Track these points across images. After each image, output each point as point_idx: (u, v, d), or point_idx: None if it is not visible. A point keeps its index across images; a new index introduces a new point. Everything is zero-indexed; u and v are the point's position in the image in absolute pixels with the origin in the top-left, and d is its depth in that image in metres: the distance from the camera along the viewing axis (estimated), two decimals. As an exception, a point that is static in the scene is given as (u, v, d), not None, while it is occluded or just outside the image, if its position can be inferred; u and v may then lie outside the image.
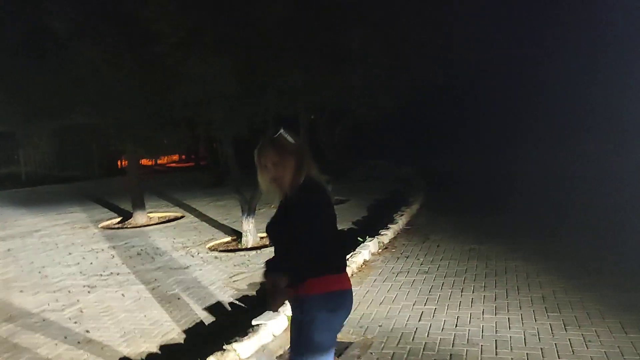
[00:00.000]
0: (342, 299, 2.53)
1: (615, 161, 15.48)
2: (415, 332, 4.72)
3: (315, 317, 2.44)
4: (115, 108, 8.49)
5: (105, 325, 5.46)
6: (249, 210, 8.41)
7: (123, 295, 6.43)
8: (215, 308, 5.79)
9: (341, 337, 4.70)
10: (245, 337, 4.53)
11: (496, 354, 4.18)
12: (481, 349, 4.29)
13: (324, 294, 2.45)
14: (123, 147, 11.52)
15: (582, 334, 4.41)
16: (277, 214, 2.64)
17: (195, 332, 5.19)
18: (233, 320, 5.40)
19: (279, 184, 2.54)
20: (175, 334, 5.13)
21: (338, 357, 4.33)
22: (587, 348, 4.16)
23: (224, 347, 4.39)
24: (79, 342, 5.06)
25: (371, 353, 4.35)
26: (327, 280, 2.47)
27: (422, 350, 4.34)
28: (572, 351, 4.13)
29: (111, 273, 7.44)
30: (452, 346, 4.38)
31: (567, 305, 5.07)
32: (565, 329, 4.56)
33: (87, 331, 5.34)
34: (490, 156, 18.12)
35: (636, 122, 15.60)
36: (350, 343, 4.60)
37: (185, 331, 5.20)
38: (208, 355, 4.24)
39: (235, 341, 4.50)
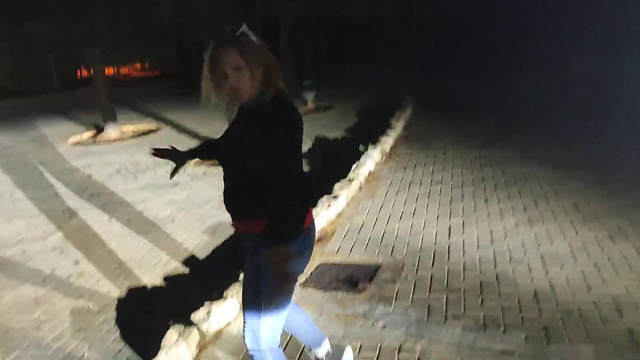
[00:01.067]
0: (312, 237, 2.25)
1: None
2: (448, 250, 4.28)
3: (289, 253, 2.06)
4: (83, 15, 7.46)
5: (96, 255, 4.87)
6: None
7: (109, 219, 5.80)
8: (217, 229, 5.23)
9: (367, 259, 4.26)
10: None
11: (547, 273, 3.78)
12: (529, 267, 3.88)
13: (297, 230, 2.10)
14: (88, 56, 10.41)
15: (633, 246, 4.03)
16: (230, 132, 2.24)
17: (200, 259, 4.65)
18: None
19: (237, 95, 2.09)
20: (177, 262, 4.59)
21: (370, 282, 3.88)
22: (644, 262, 3.79)
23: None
24: (69, 276, 4.48)
25: (406, 277, 3.91)
26: (298, 215, 2.10)
27: (462, 271, 3.91)
28: (629, 266, 3.75)
29: (92, 194, 6.76)
30: (495, 266, 3.96)
31: (605, 214, 4.68)
32: (612, 239, 4.17)
33: (77, 262, 4.75)
34: (487, 73, 16.15)
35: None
36: (379, 266, 4.14)
37: (188, 259, 4.66)
38: (228, 287, 3.72)
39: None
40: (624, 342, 2.94)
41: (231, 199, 2.23)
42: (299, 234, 2.12)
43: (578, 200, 5.09)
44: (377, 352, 3.08)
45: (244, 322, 2.27)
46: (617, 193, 5.16)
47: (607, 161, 6.24)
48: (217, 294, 3.65)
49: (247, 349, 2.28)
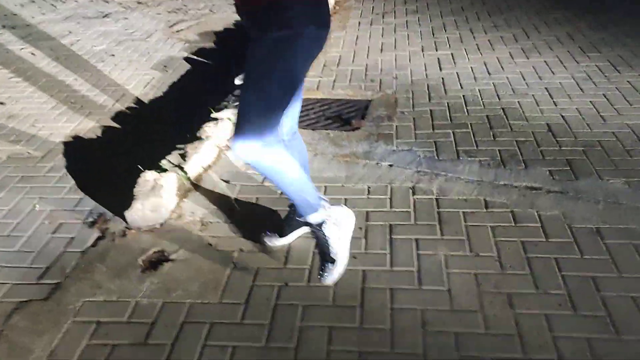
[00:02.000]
0: (329, 14, 1.84)
1: None
2: (443, 83, 3.83)
3: (301, 34, 1.72)
4: None
5: (24, 95, 4.05)
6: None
7: (33, 54, 4.85)
8: (170, 64, 4.48)
9: (354, 94, 3.75)
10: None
11: (556, 105, 3.44)
12: (535, 100, 3.52)
13: (313, 1, 1.74)
14: None
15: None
16: None
17: (156, 97, 3.96)
18: (210, 86, 4.19)
19: None
20: (128, 102, 3.89)
21: (363, 119, 3.41)
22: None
23: (213, 114, 3.29)
24: (13, 139, 3.71)
25: (402, 112, 3.46)
26: None
27: (464, 105, 3.50)
28: (641, 96, 3.47)
29: (4, 26, 5.63)
30: (499, 98, 3.58)
31: (603, 44, 4.32)
32: (617, 70, 3.85)
33: (2, 103, 3.94)
34: None
35: None
36: (369, 101, 3.65)
37: (140, 97, 3.95)
38: (201, 127, 3.14)
39: (226, 107, 3.40)
40: (656, 174, 2.71)
41: None
42: (316, 16, 1.73)
43: (570, 30, 4.69)
44: (388, 194, 2.70)
45: (238, 129, 1.77)
46: (612, 22, 4.78)
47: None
48: (190, 136, 3.08)
49: (246, 162, 1.85)
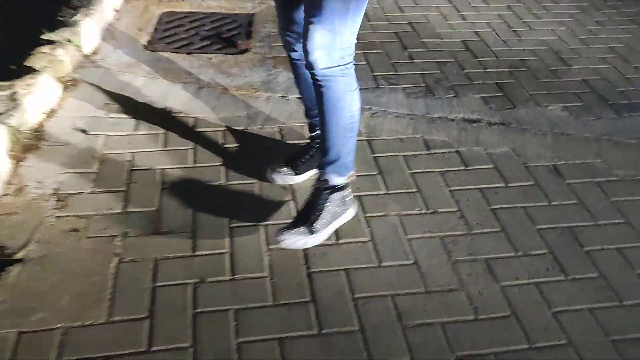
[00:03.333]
0: None
1: None
2: None
3: None
4: None
5: None
6: None
7: None
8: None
9: (229, 6, 3.02)
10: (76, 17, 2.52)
11: (465, 19, 3.06)
12: (441, 13, 3.10)
13: None
14: None
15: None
16: None
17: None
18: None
19: None
20: None
21: (250, 39, 2.72)
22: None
23: (47, 35, 2.37)
24: None
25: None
26: None
27: (366, 20, 2.98)
28: (546, 10, 3.23)
29: None
30: (402, 11, 3.10)
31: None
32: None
33: None
34: None
35: None
36: (251, 15, 2.95)
37: None
38: (34, 50, 2.23)
39: (65, 25, 2.47)
40: (591, 99, 2.47)
41: None
42: None
43: None
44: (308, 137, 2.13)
45: (308, 33, 1.43)
46: None
47: None
48: (17, 68, 2.16)
49: (316, 72, 1.48)
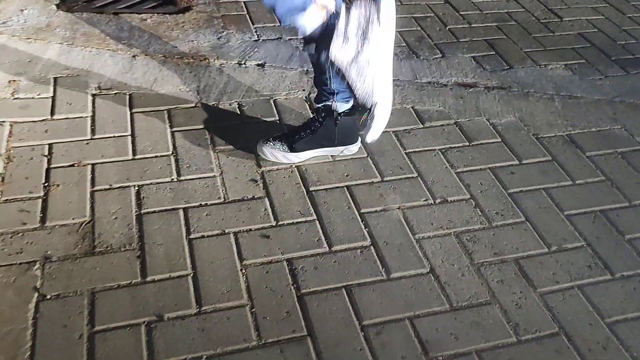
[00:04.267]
0: None
1: None
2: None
3: None
4: None
5: None
6: None
7: None
8: None
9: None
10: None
11: (526, 10, 2.67)
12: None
13: None
14: None
15: None
16: None
17: None
18: None
19: None
20: None
21: (193, -6, 2.24)
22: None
23: None
24: None
25: None
26: None
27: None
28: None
29: None
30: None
31: None
32: None
33: None
34: None
35: None
36: None
37: None
38: None
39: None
40: (592, 54, 2.17)
41: None
42: None
43: None
44: (275, 113, 1.73)
45: None
46: None
47: None
48: None
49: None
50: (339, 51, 1.24)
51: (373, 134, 1.39)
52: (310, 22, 1.23)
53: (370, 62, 1.26)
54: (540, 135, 1.75)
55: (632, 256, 1.40)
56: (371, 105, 1.32)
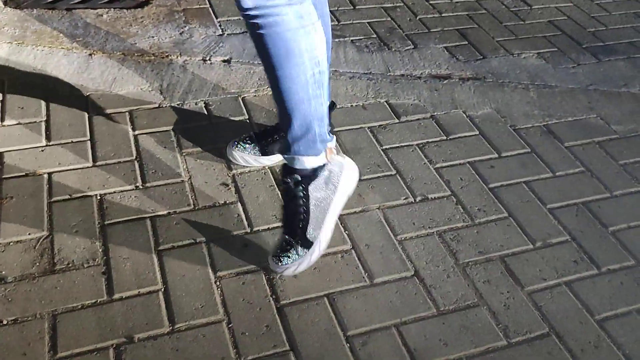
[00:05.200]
0: None
1: None
2: None
3: None
4: None
5: None
6: None
7: None
8: None
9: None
10: None
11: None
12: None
13: None
14: None
15: None
16: None
17: None
18: None
19: None
20: None
21: (151, -13, 2.12)
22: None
23: None
24: None
25: None
26: None
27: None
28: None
29: None
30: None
31: None
32: None
33: None
34: None
35: None
36: None
37: None
38: None
39: None
40: (564, 42, 2.14)
41: None
42: None
43: None
44: (244, 112, 1.64)
45: None
46: None
47: None
48: None
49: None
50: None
51: (298, 269, 1.19)
52: (311, 163, 1.16)
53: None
54: (518, 126, 1.71)
55: (617, 249, 1.37)
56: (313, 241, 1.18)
